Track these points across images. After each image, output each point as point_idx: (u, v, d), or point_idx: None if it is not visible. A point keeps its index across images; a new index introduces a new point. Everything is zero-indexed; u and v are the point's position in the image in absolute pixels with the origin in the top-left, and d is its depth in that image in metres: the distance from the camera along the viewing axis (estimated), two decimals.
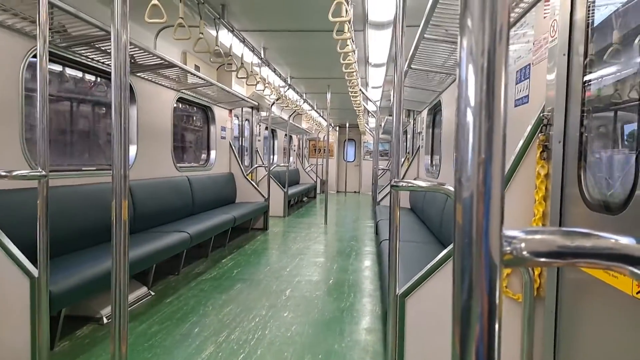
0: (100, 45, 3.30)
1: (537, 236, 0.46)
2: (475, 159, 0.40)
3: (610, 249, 0.45)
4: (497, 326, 0.41)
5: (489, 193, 0.40)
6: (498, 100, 0.39)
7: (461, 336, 0.41)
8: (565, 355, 1.77)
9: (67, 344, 2.69)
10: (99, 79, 4.11)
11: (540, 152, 1.86)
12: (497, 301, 0.41)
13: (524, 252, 0.45)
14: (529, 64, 2.18)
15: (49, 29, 2.88)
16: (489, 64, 0.38)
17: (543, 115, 1.86)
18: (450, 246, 2.03)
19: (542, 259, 0.46)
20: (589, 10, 1.72)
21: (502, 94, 0.38)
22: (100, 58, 3.62)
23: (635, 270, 0.46)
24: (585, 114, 1.71)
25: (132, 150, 4.34)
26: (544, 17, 2.00)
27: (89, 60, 3.61)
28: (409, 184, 2.03)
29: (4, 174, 2.12)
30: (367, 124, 12.92)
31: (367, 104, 9.30)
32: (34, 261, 2.25)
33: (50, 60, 3.22)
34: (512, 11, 2.36)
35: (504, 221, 0.41)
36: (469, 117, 0.39)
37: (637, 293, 1.29)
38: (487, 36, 0.38)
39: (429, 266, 1.99)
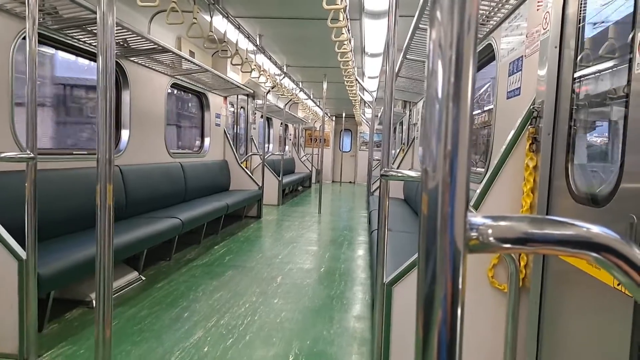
0: (91, 28, 3.27)
1: (504, 222, 0.46)
2: (441, 149, 0.40)
3: (578, 236, 0.46)
4: (459, 311, 0.41)
5: (455, 182, 0.40)
6: (465, 92, 0.39)
7: (424, 321, 0.42)
8: (548, 345, 1.80)
9: (56, 326, 2.70)
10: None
11: (530, 144, 1.87)
12: (461, 286, 0.41)
13: (490, 238, 0.45)
14: (522, 56, 2.18)
15: (40, 11, 2.85)
16: (457, 56, 0.38)
17: (533, 107, 1.86)
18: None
19: (508, 245, 0.46)
20: (580, 4, 1.71)
21: (469, 87, 0.39)
22: (93, 41, 3.58)
23: (601, 258, 0.46)
24: (574, 107, 1.72)
25: (125, 135, 4.32)
26: (537, 10, 1.99)
27: (81, 43, 3.57)
28: (399, 174, 2.03)
29: None
30: (364, 115, 12.89)
31: (363, 94, 9.27)
32: (22, 244, 2.25)
33: (41, 43, 3.19)
34: (507, 2, 2.35)
35: (468, 207, 0.42)
36: (437, 108, 0.39)
37: (618, 284, 1.30)
38: (455, 28, 0.38)
39: (416, 255, 2.00)
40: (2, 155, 2.13)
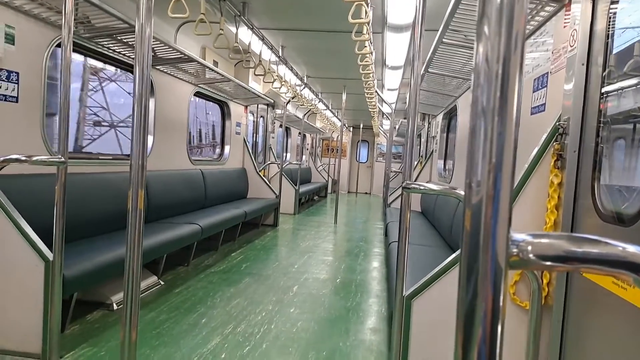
0: (122, 37, 3.36)
1: (545, 240, 0.47)
2: (486, 164, 0.41)
3: (617, 255, 0.46)
4: (500, 328, 0.42)
5: (498, 197, 0.41)
6: (511, 107, 0.40)
7: (464, 336, 0.42)
8: None
9: (77, 327, 2.75)
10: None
11: (555, 161, 1.86)
12: (502, 303, 0.42)
13: (531, 255, 0.46)
14: (547, 73, 2.17)
15: (74, 20, 2.95)
16: (503, 70, 0.39)
17: (559, 124, 1.86)
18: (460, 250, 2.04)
19: (548, 263, 0.47)
20: (609, 21, 1.71)
21: (515, 101, 0.40)
22: (122, 50, 3.69)
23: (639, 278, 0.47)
24: (601, 125, 1.71)
25: (149, 141, 4.41)
26: (564, 27, 1.99)
27: (111, 52, 3.68)
28: (421, 187, 2.04)
29: (24, 158, 2.18)
30: (382, 126, 12.89)
31: (382, 105, 9.29)
32: (49, 245, 2.31)
33: (73, 51, 3.30)
34: (532, 19, 2.36)
35: (511, 224, 0.43)
36: (482, 123, 0.40)
37: None
38: (502, 43, 0.39)
39: (437, 269, 2.00)
40: (35, 158, 2.20)
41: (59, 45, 2.99)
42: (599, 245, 0.47)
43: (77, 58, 3.85)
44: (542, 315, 1.83)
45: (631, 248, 0.47)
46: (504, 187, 0.42)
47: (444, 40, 3.02)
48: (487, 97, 0.40)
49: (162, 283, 3.69)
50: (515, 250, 0.46)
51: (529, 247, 0.47)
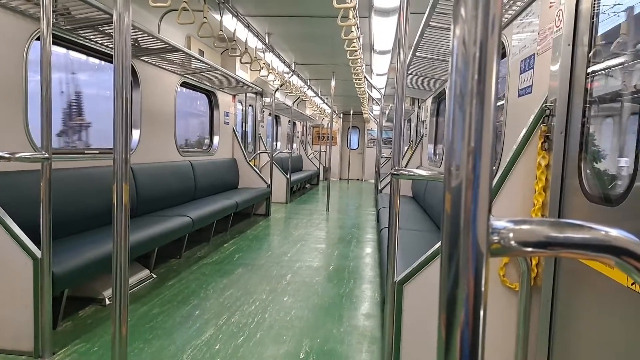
0: (104, 28, 3.29)
1: (525, 226, 0.46)
2: (465, 148, 0.40)
3: (599, 240, 0.46)
4: (482, 313, 0.41)
5: (477, 183, 0.41)
6: (489, 91, 0.39)
7: (447, 323, 0.42)
8: (560, 344, 1.80)
9: (70, 324, 2.73)
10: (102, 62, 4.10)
11: (542, 143, 1.86)
12: (483, 289, 0.42)
13: (512, 242, 0.45)
14: (534, 54, 2.17)
15: (53, 12, 2.88)
16: (481, 53, 0.38)
17: (546, 105, 1.85)
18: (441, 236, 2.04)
19: (529, 249, 0.46)
20: (594, 1, 1.70)
21: (493, 85, 0.39)
22: (105, 41, 3.61)
23: (621, 262, 0.46)
24: (588, 105, 1.71)
25: (135, 134, 4.35)
26: (550, 7, 1.98)
27: (93, 43, 3.60)
28: (410, 173, 2.03)
29: (7, 155, 2.15)
30: (372, 112, 12.86)
31: (371, 91, 9.25)
32: (37, 242, 2.29)
33: (54, 43, 3.23)
34: (519, 0, 2.34)
35: (491, 211, 0.42)
36: (460, 107, 0.39)
37: (632, 284, 1.30)
38: (479, 26, 0.38)
39: (427, 254, 2.01)
40: (18, 155, 2.16)
41: (39, 39, 2.93)
42: (581, 230, 0.47)
43: (59, 51, 3.76)
44: (531, 296, 1.85)
45: (613, 232, 0.47)
46: (483, 172, 0.41)
47: (430, 23, 3.00)
48: (464, 80, 0.39)
49: (155, 276, 3.68)
50: (496, 237, 0.45)
51: (510, 234, 0.46)
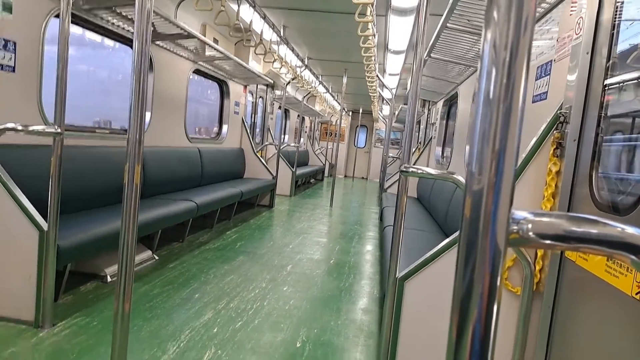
0: (121, 10, 3.31)
1: (545, 219, 0.47)
2: (488, 151, 0.40)
3: (616, 236, 0.46)
4: (495, 307, 0.42)
5: (500, 183, 0.41)
6: (517, 95, 0.39)
7: (460, 315, 0.42)
8: (558, 350, 1.80)
9: (71, 297, 2.76)
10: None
11: (554, 149, 1.86)
12: (499, 282, 0.42)
13: (530, 233, 0.46)
14: (551, 61, 2.16)
15: None
16: (511, 57, 0.38)
17: (560, 112, 1.85)
18: (455, 234, 2.05)
19: (547, 241, 0.47)
20: (616, 11, 1.70)
21: (521, 89, 0.39)
22: (121, 24, 3.63)
23: (637, 260, 0.47)
24: (603, 115, 1.71)
25: (147, 117, 4.38)
26: (570, 15, 1.97)
27: (110, 24, 3.62)
28: (419, 170, 2.04)
29: (20, 128, 2.17)
30: (381, 111, 12.84)
31: (382, 90, 9.24)
32: (44, 216, 2.31)
33: (72, 22, 3.24)
34: (538, 6, 2.33)
35: (513, 203, 0.43)
36: (487, 110, 0.40)
37: (636, 294, 1.30)
38: (511, 30, 0.38)
39: (431, 252, 2.02)
40: (31, 128, 2.18)
41: (57, 16, 2.94)
42: (598, 226, 0.47)
43: (76, 31, 3.77)
44: (532, 301, 1.86)
45: (630, 229, 0.47)
46: (507, 174, 0.41)
47: (448, 25, 2.99)
48: (493, 84, 0.40)
49: (157, 258, 3.71)
50: (515, 227, 0.46)
51: (529, 225, 0.47)
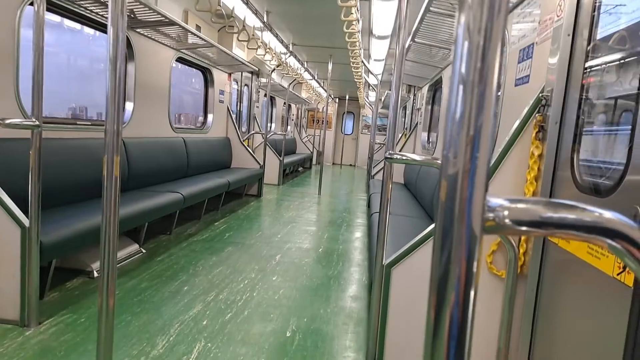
0: None
1: (521, 205, 0.46)
2: (463, 136, 0.40)
3: (593, 221, 0.46)
4: (473, 293, 0.42)
5: (475, 167, 0.40)
6: (491, 79, 0.39)
7: (437, 300, 0.42)
8: (543, 330, 1.83)
9: (57, 294, 2.73)
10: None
11: (536, 132, 1.87)
12: (475, 269, 0.42)
13: (507, 220, 0.45)
14: (533, 44, 2.16)
15: None
16: (485, 41, 0.38)
17: (542, 95, 1.85)
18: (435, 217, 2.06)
19: (524, 228, 0.46)
20: None
21: (495, 73, 0.38)
22: (99, 10, 3.54)
23: (614, 244, 0.46)
24: (583, 98, 1.71)
25: (129, 106, 4.30)
26: None
27: (87, 12, 3.52)
28: (403, 157, 2.04)
29: None
30: (367, 98, 12.81)
31: (368, 76, 9.19)
32: (26, 211, 2.27)
33: (47, 10, 3.15)
34: None
35: (488, 190, 0.42)
36: (461, 94, 0.39)
37: (617, 274, 1.32)
38: (484, 13, 0.37)
39: (416, 238, 2.02)
40: (8, 121, 2.12)
41: (32, 4, 2.85)
42: (575, 211, 0.47)
43: (53, 19, 3.68)
44: (517, 284, 1.88)
45: (607, 214, 0.47)
46: (482, 158, 0.41)
47: (431, 8, 2.97)
48: (467, 68, 0.39)
49: (144, 251, 3.68)
50: (491, 215, 0.45)
51: (505, 212, 0.46)
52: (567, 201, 0.47)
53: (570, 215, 0.46)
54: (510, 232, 0.47)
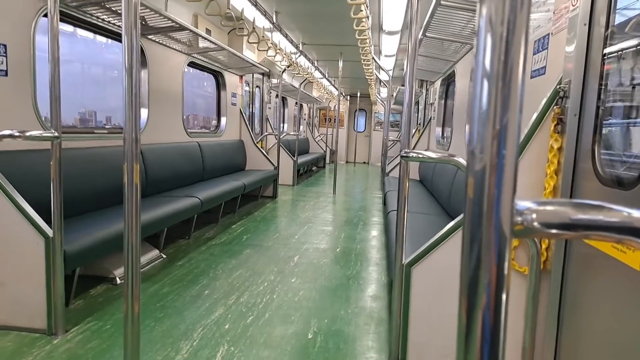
0: (110, 5, 3.26)
1: (549, 207, 0.46)
2: (489, 130, 0.39)
3: (622, 222, 0.45)
4: (504, 297, 0.41)
5: (502, 164, 0.40)
6: (516, 71, 0.38)
7: (468, 306, 0.41)
8: (569, 327, 1.80)
9: (82, 302, 2.78)
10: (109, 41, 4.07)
11: (555, 125, 1.83)
12: (506, 272, 0.41)
13: (535, 224, 0.45)
14: (548, 34, 2.12)
15: None
16: (508, 33, 0.37)
17: (560, 87, 1.82)
18: (459, 217, 2.04)
19: (553, 231, 0.45)
20: None
21: (520, 65, 0.38)
22: (112, 19, 3.58)
23: None
24: (603, 87, 1.67)
25: (144, 114, 4.35)
26: None
27: (100, 20, 3.57)
28: (419, 155, 2.02)
29: (17, 134, 2.15)
30: (379, 94, 12.75)
31: (379, 73, 9.15)
32: (48, 221, 2.31)
33: (61, 20, 3.20)
34: None
35: (516, 192, 0.41)
36: (485, 88, 0.38)
37: None
38: (507, 3, 0.36)
39: (436, 236, 2.01)
40: (28, 134, 2.16)
41: (46, 16, 2.90)
42: (603, 211, 0.46)
43: (67, 29, 3.73)
44: (540, 280, 1.85)
45: (636, 213, 0.45)
46: (509, 155, 0.40)
47: (442, 2, 2.94)
48: (490, 61, 0.38)
49: (164, 256, 3.72)
50: (519, 218, 0.44)
51: (534, 215, 0.45)
52: (594, 202, 0.46)
53: (599, 217, 0.45)
54: (540, 235, 0.46)
